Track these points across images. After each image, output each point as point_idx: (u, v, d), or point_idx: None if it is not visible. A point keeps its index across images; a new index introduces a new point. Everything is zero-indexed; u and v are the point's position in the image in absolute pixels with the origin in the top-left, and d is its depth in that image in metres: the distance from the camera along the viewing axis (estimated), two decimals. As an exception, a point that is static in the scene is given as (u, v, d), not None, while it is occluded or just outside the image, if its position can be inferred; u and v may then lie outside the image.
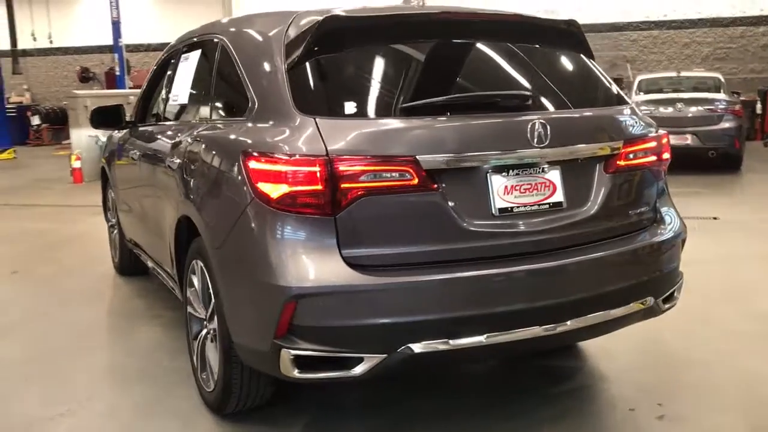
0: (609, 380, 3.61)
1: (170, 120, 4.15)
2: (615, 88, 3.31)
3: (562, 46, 3.30)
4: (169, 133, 3.90)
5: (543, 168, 2.85)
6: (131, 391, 3.58)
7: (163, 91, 4.41)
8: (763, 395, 3.40)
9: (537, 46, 3.23)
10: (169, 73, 4.36)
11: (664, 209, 3.26)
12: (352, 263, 2.58)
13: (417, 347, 2.58)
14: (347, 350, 2.56)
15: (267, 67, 2.94)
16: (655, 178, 3.21)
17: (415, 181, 2.61)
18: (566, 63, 3.32)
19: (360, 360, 2.57)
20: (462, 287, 2.65)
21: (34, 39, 20.17)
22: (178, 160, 3.50)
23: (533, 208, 2.83)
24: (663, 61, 17.58)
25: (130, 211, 4.90)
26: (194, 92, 3.85)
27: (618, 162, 3.01)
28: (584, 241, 2.91)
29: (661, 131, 3.28)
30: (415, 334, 2.58)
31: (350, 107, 2.77)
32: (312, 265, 2.56)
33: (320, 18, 2.82)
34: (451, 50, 3.07)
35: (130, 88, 15.74)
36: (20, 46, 19.12)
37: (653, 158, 3.17)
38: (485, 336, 2.65)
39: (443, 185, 2.67)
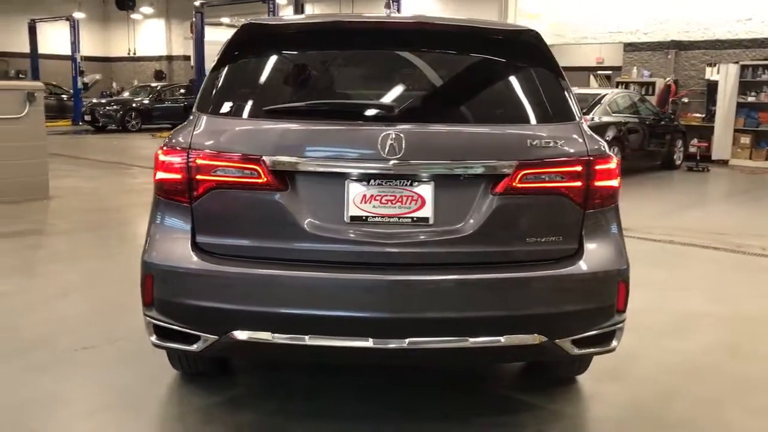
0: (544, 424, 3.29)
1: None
2: (557, 103, 3.01)
3: (499, 55, 3.10)
4: None
5: (412, 181, 2.78)
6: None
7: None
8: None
9: (465, 55, 3.09)
10: None
11: (593, 243, 2.90)
12: (204, 249, 2.83)
13: (242, 335, 2.74)
14: (187, 327, 2.82)
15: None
16: (580, 206, 2.87)
17: (263, 179, 2.76)
18: (490, 74, 3.11)
19: (198, 338, 2.81)
20: (292, 286, 2.74)
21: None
22: None
23: (392, 220, 2.77)
24: None
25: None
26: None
27: (512, 183, 2.77)
28: (452, 261, 2.77)
29: (606, 155, 2.92)
30: (242, 322, 2.75)
31: (229, 107, 2.96)
32: (167, 245, 2.87)
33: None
34: (348, 58, 3.10)
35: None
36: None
37: (575, 184, 2.84)
38: (308, 337, 2.71)
39: (297, 187, 2.78)
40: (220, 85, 3.03)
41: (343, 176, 2.78)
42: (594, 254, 2.88)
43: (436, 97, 3.05)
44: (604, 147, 2.96)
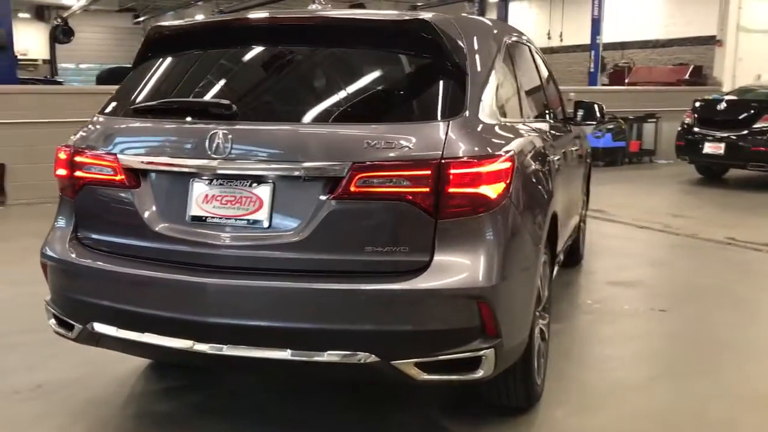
0: None
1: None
2: (429, 99, 2.72)
3: (375, 48, 2.87)
4: None
5: (252, 182, 2.68)
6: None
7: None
8: None
9: (337, 49, 2.89)
10: None
11: (448, 256, 2.55)
12: (83, 243, 2.99)
13: (97, 327, 2.85)
14: (63, 316, 2.99)
15: None
16: (430, 215, 2.54)
17: (119, 177, 2.85)
18: (354, 69, 2.87)
19: (72, 326, 2.97)
20: (131, 284, 2.78)
21: (549, 38, 21.86)
22: None
23: (229, 221, 2.70)
24: None
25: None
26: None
27: (349, 187, 2.54)
28: (281, 268, 2.62)
29: (469, 160, 2.56)
30: (96, 315, 2.85)
31: (112, 107, 3.08)
32: (55, 238, 3.07)
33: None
34: (223, 57, 3.04)
35: (605, 84, 15.85)
36: (538, 44, 21.12)
37: (421, 189, 2.53)
38: (140, 334, 2.74)
39: (147, 185, 2.82)
40: (120, 86, 3.17)
41: (188, 175, 2.76)
42: (444, 269, 2.54)
43: (283, 95, 2.90)
44: (474, 149, 2.60)
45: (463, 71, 2.81)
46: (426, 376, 2.57)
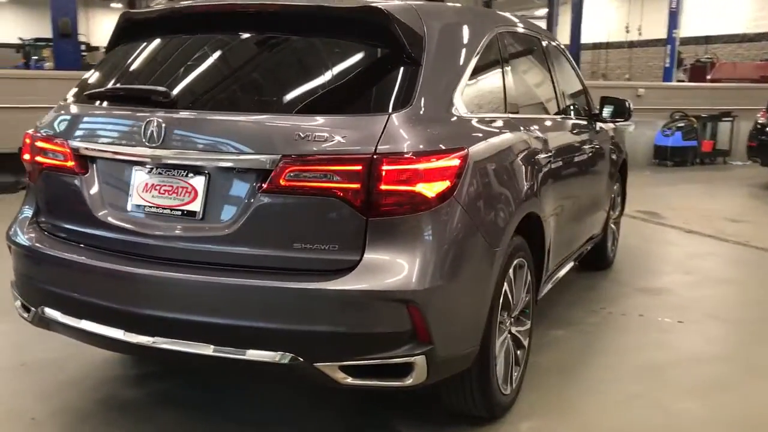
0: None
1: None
2: (372, 91, 2.61)
3: (321, 36, 2.78)
4: None
5: (188, 172, 2.63)
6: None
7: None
8: None
9: (285, 37, 2.80)
10: None
11: (379, 255, 2.43)
12: (41, 227, 3.03)
13: (47, 312, 2.88)
14: (21, 298, 3.03)
15: None
16: (361, 212, 2.42)
17: (70, 163, 2.86)
18: (297, 58, 2.76)
19: (29, 309, 3.01)
20: (73, 270, 2.79)
21: (627, 31, 21.06)
22: None
23: (165, 211, 2.66)
24: None
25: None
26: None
27: (278, 181, 2.45)
28: (210, 261, 2.56)
29: (407, 156, 2.43)
30: (45, 300, 2.88)
31: (73, 93, 3.10)
32: (18, 222, 3.12)
33: None
34: (182, 43, 2.99)
35: (680, 80, 15.14)
36: (617, 38, 20.41)
37: (351, 185, 2.41)
38: (78, 320, 2.75)
39: (95, 172, 2.82)
40: (89, 73, 3.19)
41: (130, 163, 2.74)
42: (373, 270, 2.42)
43: (225, 84, 2.82)
44: (416, 145, 2.47)
45: (416, 62, 2.67)
46: (351, 381, 2.47)
